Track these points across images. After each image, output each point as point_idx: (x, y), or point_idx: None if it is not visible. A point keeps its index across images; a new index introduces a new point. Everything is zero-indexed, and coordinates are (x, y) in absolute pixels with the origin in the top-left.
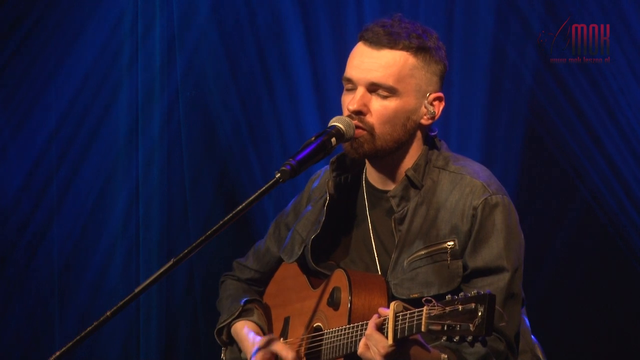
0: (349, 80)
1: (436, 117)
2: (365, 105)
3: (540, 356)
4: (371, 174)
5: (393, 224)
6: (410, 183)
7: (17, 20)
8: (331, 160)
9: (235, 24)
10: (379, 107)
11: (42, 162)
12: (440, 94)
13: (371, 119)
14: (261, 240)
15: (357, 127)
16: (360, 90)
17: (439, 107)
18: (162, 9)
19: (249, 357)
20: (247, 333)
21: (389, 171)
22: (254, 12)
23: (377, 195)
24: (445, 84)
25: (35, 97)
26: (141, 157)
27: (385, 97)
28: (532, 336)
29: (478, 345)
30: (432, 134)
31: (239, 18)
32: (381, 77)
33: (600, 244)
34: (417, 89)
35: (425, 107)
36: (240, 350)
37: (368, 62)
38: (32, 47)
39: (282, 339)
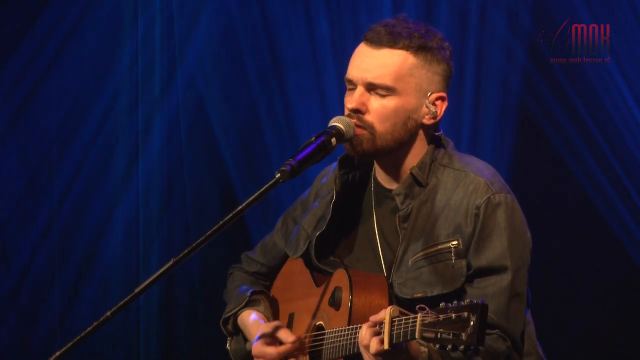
0: (350, 81)
1: (438, 117)
2: (364, 104)
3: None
4: (379, 173)
5: (397, 222)
6: (415, 181)
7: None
8: (339, 158)
9: (237, 26)
10: (378, 106)
11: (43, 162)
12: (443, 94)
13: (370, 117)
14: (269, 234)
15: (357, 125)
16: (359, 89)
17: (441, 107)
18: (162, 6)
19: (253, 342)
20: (253, 320)
21: (394, 170)
22: (258, 15)
23: (383, 193)
24: (455, 85)
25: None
26: (142, 158)
27: (383, 96)
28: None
29: (470, 353)
30: (437, 133)
31: (241, 21)
32: (378, 77)
33: (598, 233)
34: (417, 88)
35: (427, 107)
36: (245, 340)
37: (367, 61)
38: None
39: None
